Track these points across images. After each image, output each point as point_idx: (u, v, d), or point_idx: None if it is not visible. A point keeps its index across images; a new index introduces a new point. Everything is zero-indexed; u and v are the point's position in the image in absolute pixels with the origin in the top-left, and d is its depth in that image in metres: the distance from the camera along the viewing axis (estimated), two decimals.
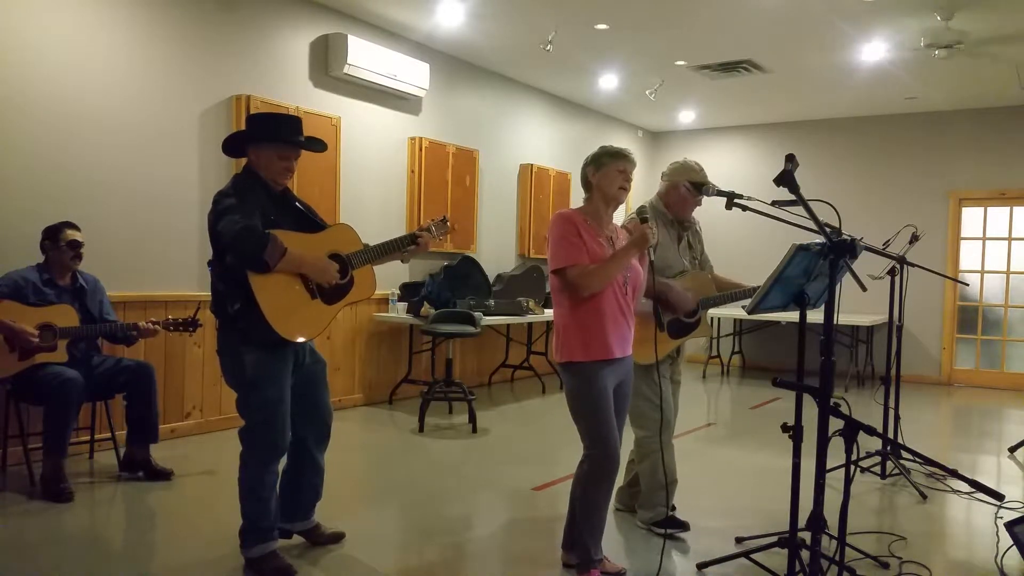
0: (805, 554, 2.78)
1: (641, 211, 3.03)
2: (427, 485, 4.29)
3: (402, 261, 3.29)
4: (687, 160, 3.55)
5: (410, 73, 6.53)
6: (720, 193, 3.12)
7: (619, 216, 3.72)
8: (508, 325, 7.56)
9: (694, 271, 3.58)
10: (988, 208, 8.85)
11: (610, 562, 3.03)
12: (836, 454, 2.90)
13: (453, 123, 7.43)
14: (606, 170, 2.93)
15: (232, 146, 3.06)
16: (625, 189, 2.95)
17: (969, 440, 6.15)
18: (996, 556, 3.33)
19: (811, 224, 2.61)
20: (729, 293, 3.55)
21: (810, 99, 8.69)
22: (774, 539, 3.06)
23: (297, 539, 3.28)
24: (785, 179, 2.54)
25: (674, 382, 3.62)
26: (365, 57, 6.11)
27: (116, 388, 4.19)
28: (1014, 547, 3.11)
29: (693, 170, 3.49)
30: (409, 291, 6.72)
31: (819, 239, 2.59)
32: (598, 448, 2.87)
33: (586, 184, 3.02)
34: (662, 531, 3.45)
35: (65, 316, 3.98)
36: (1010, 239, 8.75)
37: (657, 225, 3.42)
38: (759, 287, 3.36)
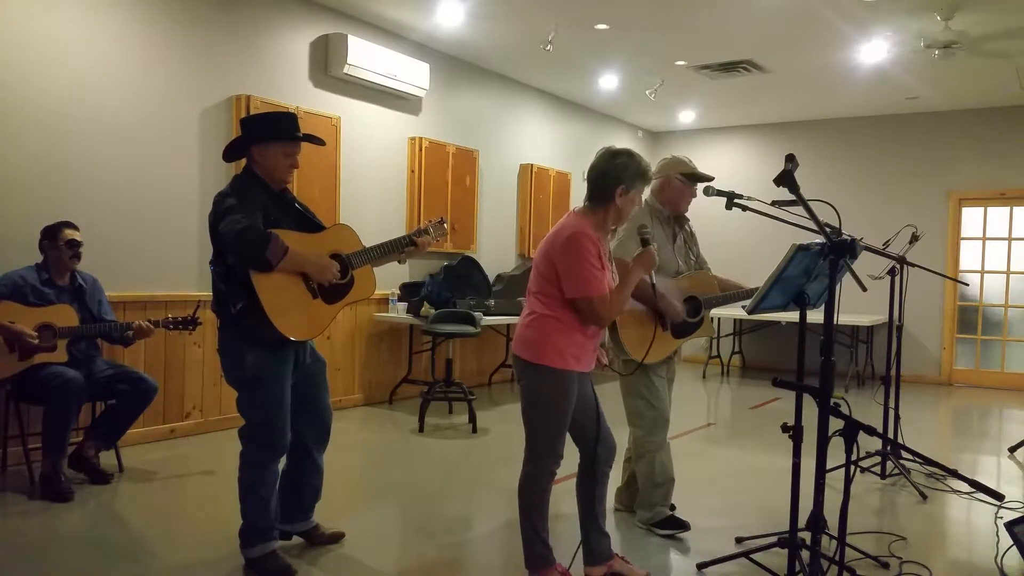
0: (805, 554, 2.78)
1: (643, 231, 2.85)
2: (427, 485, 4.29)
3: (399, 262, 3.31)
4: (675, 155, 3.60)
5: (410, 73, 6.53)
6: (720, 193, 3.12)
7: None
8: (508, 325, 7.55)
9: (697, 271, 3.58)
10: (988, 208, 8.85)
11: (627, 563, 3.00)
12: (836, 454, 2.90)
13: (453, 123, 7.43)
14: (634, 193, 2.74)
15: (231, 152, 3.07)
16: None
17: (969, 440, 6.15)
18: (996, 556, 3.33)
19: (811, 224, 2.61)
20: (731, 294, 3.56)
21: (810, 99, 8.69)
22: (774, 539, 3.06)
23: (297, 539, 3.28)
24: (785, 179, 2.54)
25: (668, 380, 3.63)
26: (365, 57, 6.11)
27: (115, 393, 4.15)
28: (1014, 547, 3.12)
29: (683, 163, 3.53)
30: (409, 291, 6.72)
31: (819, 239, 2.59)
32: (543, 460, 2.74)
33: (605, 197, 2.73)
34: (663, 532, 3.45)
35: (64, 316, 3.98)
36: (1010, 239, 8.75)
37: (653, 223, 3.43)
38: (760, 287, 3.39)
